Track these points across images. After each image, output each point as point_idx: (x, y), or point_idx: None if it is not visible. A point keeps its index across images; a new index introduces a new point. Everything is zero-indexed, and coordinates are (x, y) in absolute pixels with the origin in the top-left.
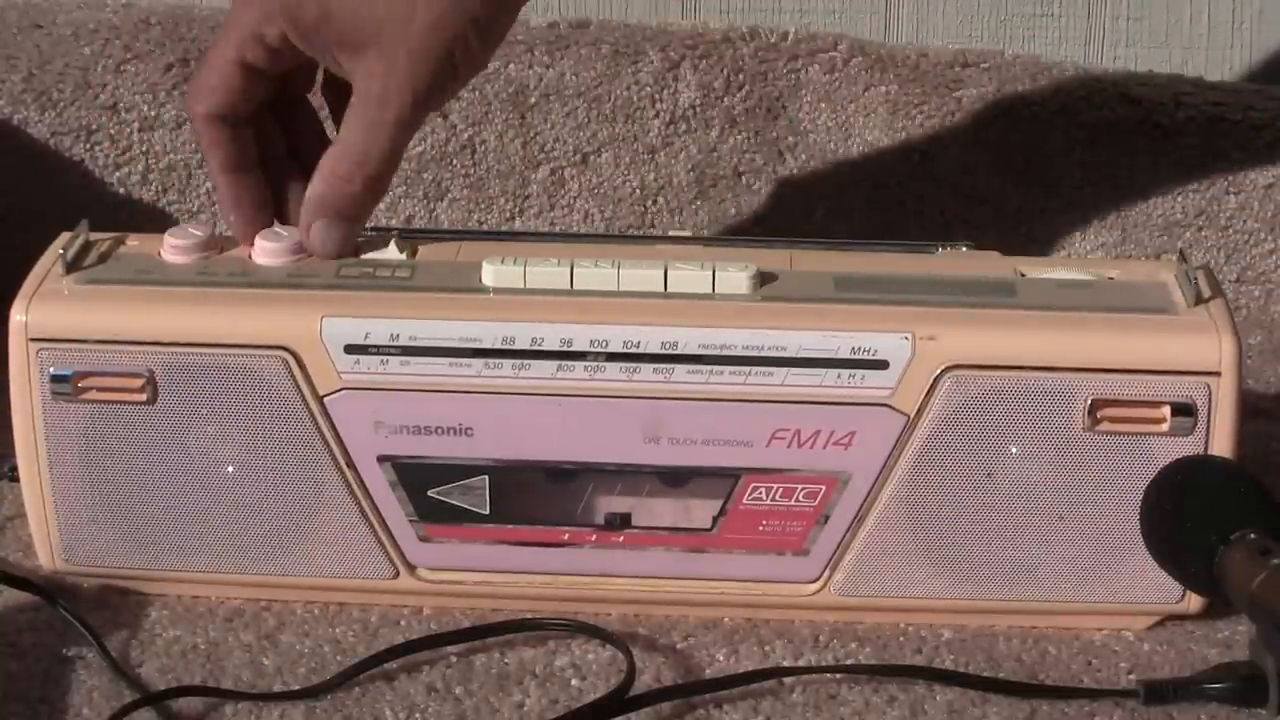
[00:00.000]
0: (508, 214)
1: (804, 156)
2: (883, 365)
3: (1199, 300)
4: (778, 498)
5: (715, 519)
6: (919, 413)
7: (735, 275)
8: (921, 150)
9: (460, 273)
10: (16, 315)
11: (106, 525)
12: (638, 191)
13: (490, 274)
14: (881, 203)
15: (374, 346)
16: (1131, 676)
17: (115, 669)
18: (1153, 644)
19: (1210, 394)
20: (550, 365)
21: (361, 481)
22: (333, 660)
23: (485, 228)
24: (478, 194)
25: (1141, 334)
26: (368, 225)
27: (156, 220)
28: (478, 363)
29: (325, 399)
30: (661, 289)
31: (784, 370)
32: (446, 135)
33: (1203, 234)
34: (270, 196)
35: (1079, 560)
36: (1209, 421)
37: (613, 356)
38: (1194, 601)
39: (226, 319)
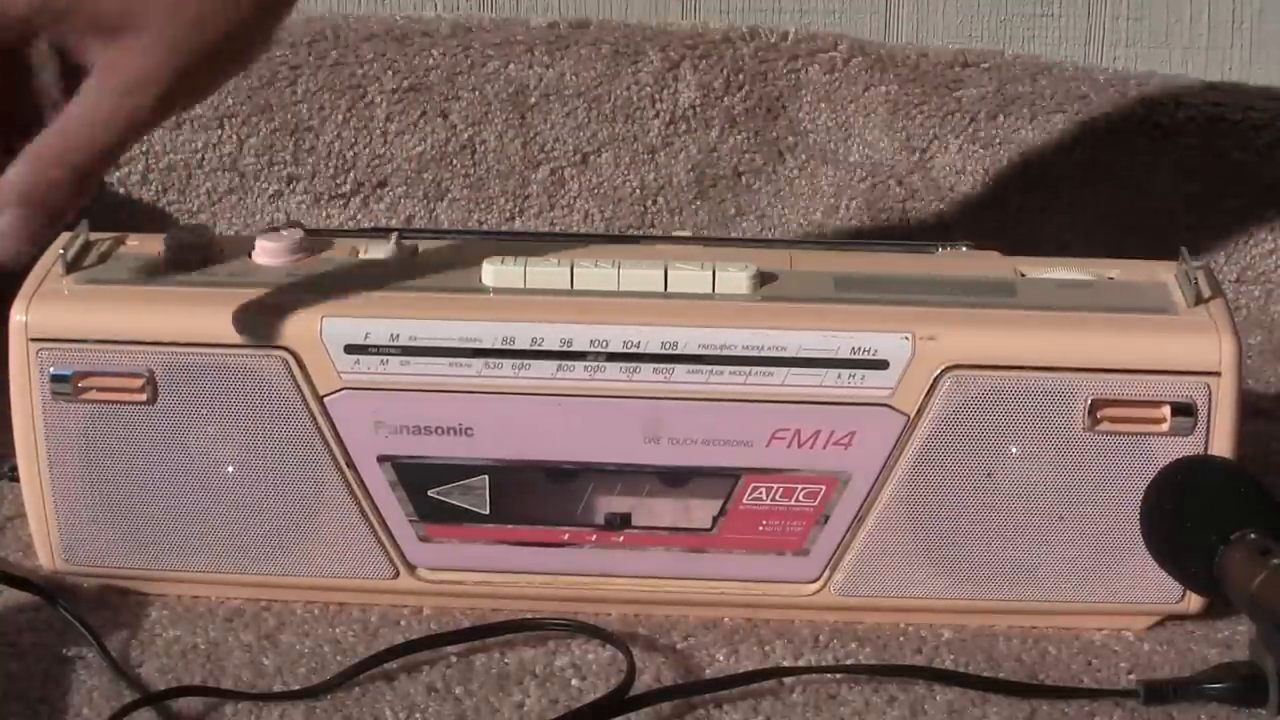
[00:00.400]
0: (508, 214)
1: (804, 156)
2: (883, 365)
3: (1199, 300)
4: (778, 498)
5: (715, 519)
6: (919, 413)
7: (735, 275)
8: (921, 150)
9: (460, 273)
10: (16, 315)
11: (106, 525)
12: (638, 191)
13: (490, 274)
14: (881, 203)
15: (374, 346)
16: (1131, 676)
17: (115, 669)
18: (1153, 644)
19: (1210, 394)
20: (550, 365)
21: (361, 481)
22: (333, 660)
23: (485, 228)
24: (478, 194)
25: (1141, 334)
26: (367, 226)
27: (156, 220)
28: (478, 363)
29: (325, 399)
30: (661, 289)
31: (784, 370)
32: (446, 135)
33: (1203, 234)
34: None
35: (1079, 560)
36: (1209, 421)
37: (613, 356)
38: (1194, 601)
39: (226, 319)
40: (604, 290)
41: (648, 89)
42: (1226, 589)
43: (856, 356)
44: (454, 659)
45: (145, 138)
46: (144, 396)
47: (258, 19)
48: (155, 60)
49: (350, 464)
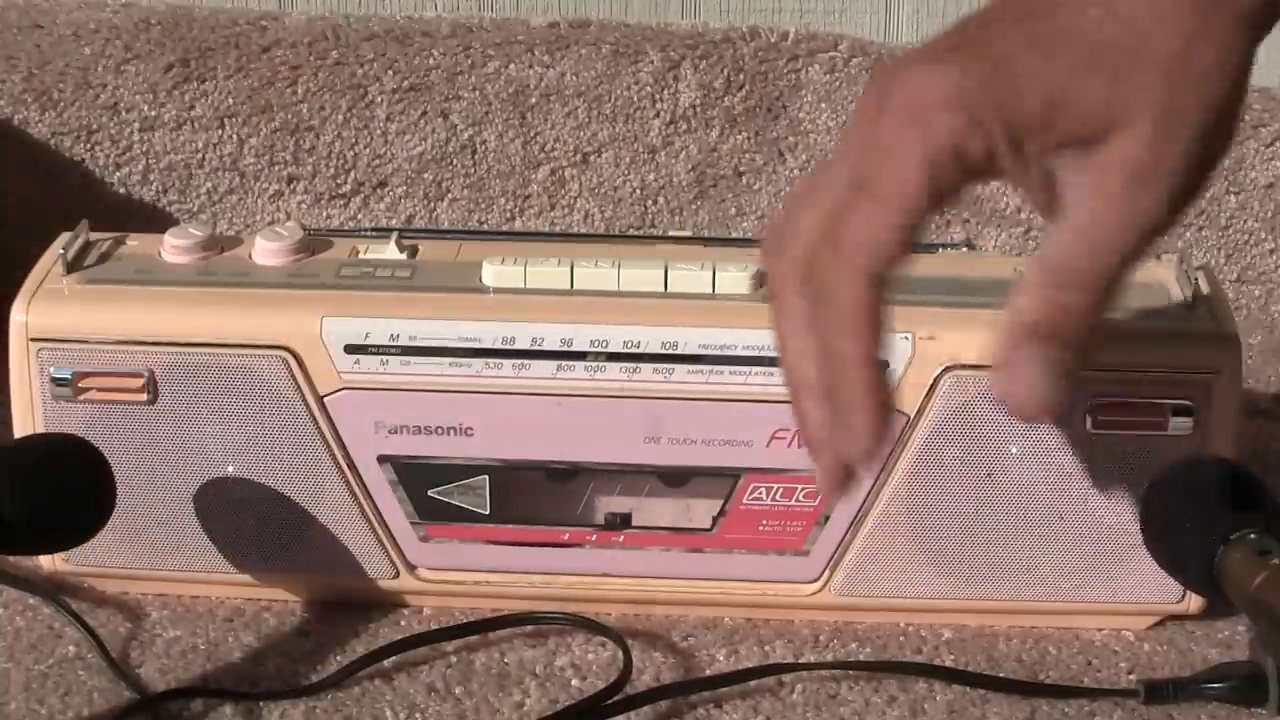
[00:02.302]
0: (508, 214)
1: (804, 156)
2: (883, 365)
3: (1199, 300)
4: (778, 497)
5: (715, 519)
6: (919, 413)
7: (735, 275)
8: None
9: (460, 273)
10: (17, 315)
11: (107, 525)
12: (638, 191)
13: (490, 274)
14: None
15: (374, 346)
16: (1131, 676)
17: (115, 669)
18: (1153, 644)
19: (1210, 394)
20: (550, 365)
21: (361, 481)
22: (333, 661)
23: (485, 228)
24: (478, 194)
25: (1142, 334)
26: (367, 226)
27: (156, 220)
28: (478, 363)
29: (325, 399)
30: (661, 289)
31: None
32: (446, 135)
33: (1203, 234)
34: None
35: (1079, 560)
36: (1209, 421)
37: (613, 356)
38: (1194, 601)
39: (227, 319)
40: (604, 290)
41: (648, 89)
42: (1226, 589)
43: None
44: (453, 658)
45: (145, 138)
46: (144, 396)
47: (1236, 98)
48: (1162, 145)
49: (350, 464)
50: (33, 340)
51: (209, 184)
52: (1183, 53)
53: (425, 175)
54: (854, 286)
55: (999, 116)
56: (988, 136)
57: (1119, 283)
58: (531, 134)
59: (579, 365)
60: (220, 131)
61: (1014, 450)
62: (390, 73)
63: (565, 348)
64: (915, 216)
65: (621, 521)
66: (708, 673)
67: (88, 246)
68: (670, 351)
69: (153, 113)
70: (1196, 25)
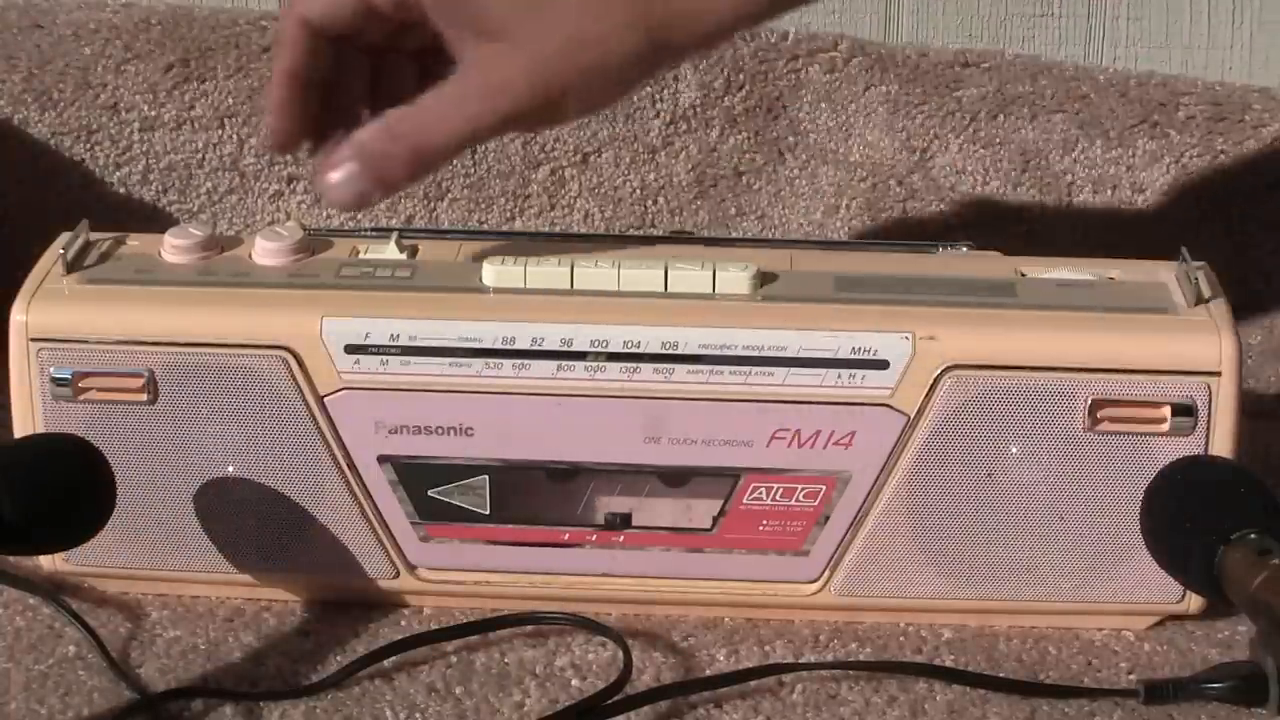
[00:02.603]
0: (508, 214)
1: (804, 156)
2: (883, 365)
3: (1199, 300)
4: (778, 497)
5: (715, 519)
6: (919, 413)
7: (735, 275)
8: (921, 150)
9: (460, 273)
10: (17, 315)
11: (107, 525)
12: (638, 191)
13: (490, 274)
14: (881, 203)
15: (374, 346)
16: (1131, 676)
17: (115, 669)
18: (1153, 644)
19: (1210, 394)
20: (550, 365)
21: (361, 481)
22: (333, 661)
23: (485, 228)
24: (478, 194)
25: (1142, 334)
26: (367, 226)
27: (156, 220)
28: (478, 363)
29: (325, 399)
30: (661, 289)
31: (784, 370)
32: None
33: (1203, 234)
34: (317, 122)
35: (1079, 560)
36: (1209, 421)
37: (613, 356)
38: (1194, 601)
39: (227, 318)
40: (604, 290)
41: (648, 89)
42: (1226, 589)
43: (857, 356)
44: (453, 658)
45: (145, 138)
46: (144, 396)
47: (647, 54)
48: (519, 71)
49: (350, 464)
50: (33, 340)
51: (209, 184)
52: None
53: None
54: (284, 16)
55: None
56: None
57: (438, 158)
58: (531, 134)
59: (579, 365)
60: (220, 131)
61: (1014, 450)
62: None
63: (565, 348)
64: None
65: (621, 521)
66: (708, 673)
67: (88, 246)
68: (670, 351)
69: (153, 113)
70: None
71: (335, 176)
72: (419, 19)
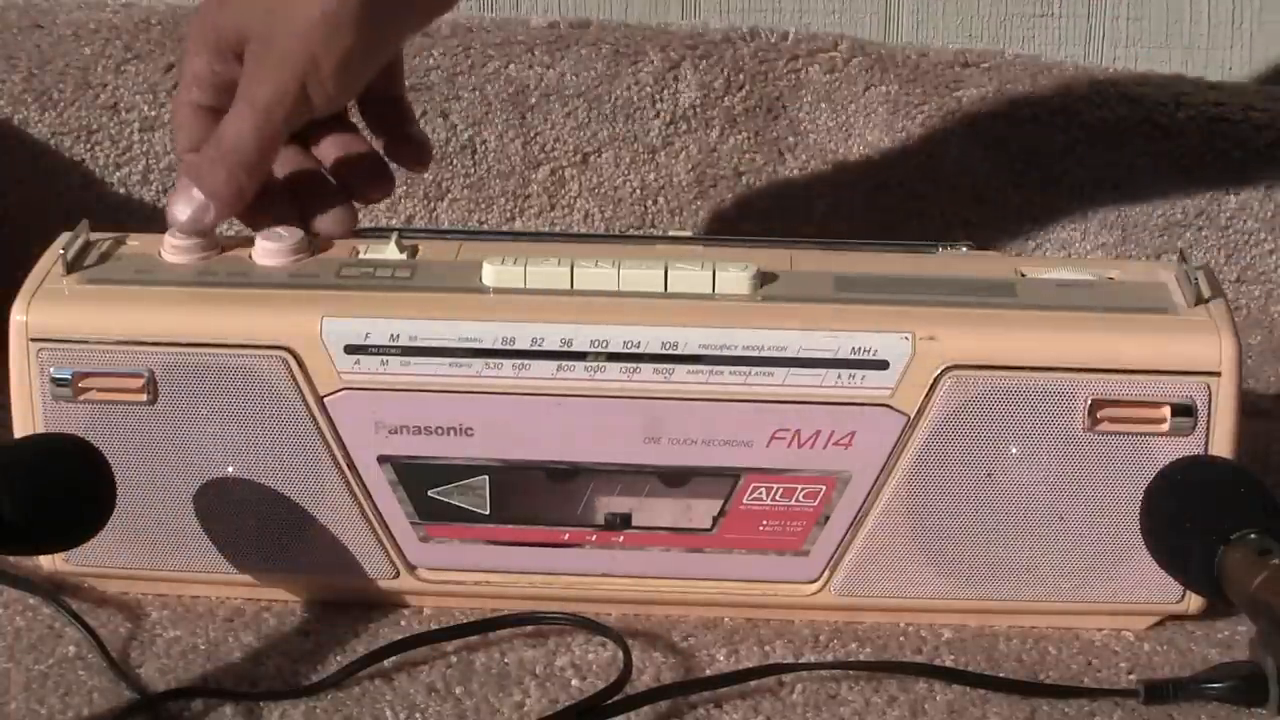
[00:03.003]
0: (508, 214)
1: (804, 156)
2: (883, 365)
3: (1199, 300)
4: (778, 498)
5: (715, 519)
6: (919, 413)
7: (735, 275)
8: (921, 150)
9: (460, 273)
10: (17, 315)
11: (107, 525)
12: (638, 191)
13: (490, 274)
14: (881, 203)
15: (374, 346)
16: (1131, 676)
17: (115, 669)
18: (1153, 644)
19: (1210, 394)
20: (550, 365)
21: (361, 481)
22: (333, 661)
23: (485, 228)
24: (478, 194)
25: (1141, 334)
26: (367, 226)
27: (156, 220)
28: (478, 363)
29: (325, 399)
30: (661, 289)
31: (784, 370)
32: (446, 135)
33: (1203, 234)
34: (277, 194)
35: (1079, 560)
36: (1209, 421)
37: (613, 356)
38: (1194, 601)
39: (227, 319)
40: (604, 290)
41: (648, 89)
42: (1226, 589)
43: (856, 356)
44: (453, 658)
45: (145, 138)
46: (144, 397)
47: (374, 42)
48: (255, 70)
49: (350, 464)
50: (33, 340)
51: None
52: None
53: (425, 175)
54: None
55: (206, 48)
56: (203, 58)
57: (246, 159)
58: (531, 134)
59: (579, 365)
60: None
61: (1014, 450)
62: None
63: (565, 348)
64: (187, 116)
65: (621, 521)
66: (708, 673)
67: (88, 246)
68: (670, 351)
69: (153, 113)
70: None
71: (176, 199)
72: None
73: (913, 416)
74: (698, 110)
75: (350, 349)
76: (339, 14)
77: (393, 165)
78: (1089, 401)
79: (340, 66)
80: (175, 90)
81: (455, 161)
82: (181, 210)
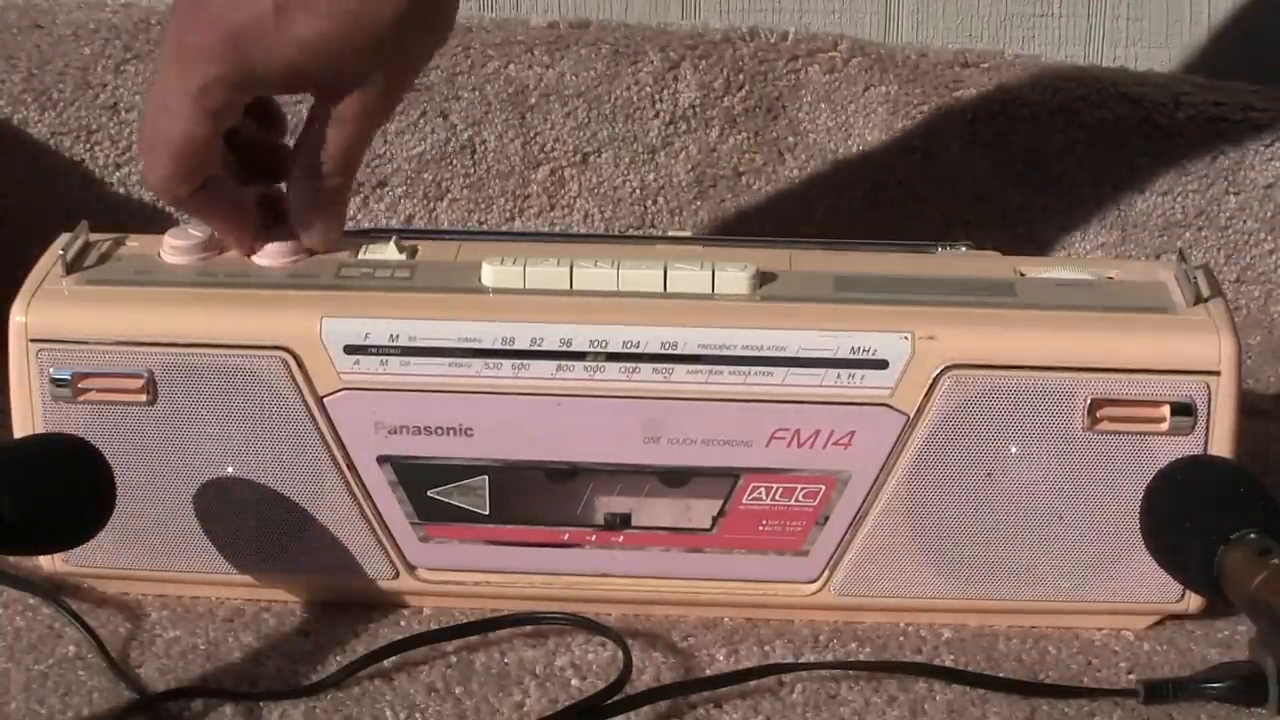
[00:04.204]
0: (508, 214)
1: (804, 156)
2: (882, 365)
3: (1199, 300)
4: (777, 497)
5: (715, 519)
6: (919, 412)
7: (735, 275)
8: (921, 150)
9: (460, 273)
10: (16, 316)
11: (106, 525)
12: (638, 191)
13: (490, 274)
14: (881, 203)
15: (374, 347)
16: (1131, 676)
17: (115, 669)
18: (1153, 644)
19: (1210, 394)
20: (550, 365)
21: (361, 482)
22: (333, 662)
23: (485, 228)
24: (478, 194)
25: (1141, 334)
26: (367, 226)
27: (156, 220)
28: (477, 363)
29: (325, 399)
30: (661, 289)
31: (784, 370)
32: (446, 135)
33: (1203, 234)
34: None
35: (1079, 560)
36: (1209, 421)
37: (612, 356)
38: (1194, 601)
39: (226, 319)
40: (604, 290)
41: (648, 89)
42: (1226, 589)
43: (856, 356)
44: (453, 658)
45: None
46: (144, 397)
47: (433, 26)
48: (362, 104)
49: (350, 464)
50: (32, 341)
51: None
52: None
53: (425, 175)
54: (180, 205)
55: (253, 82)
56: (249, 90)
57: (359, 163)
58: (531, 134)
59: (578, 365)
60: None
61: (1014, 450)
62: None
63: (564, 348)
64: (213, 150)
65: (621, 521)
66: (708, 673)
67: (87, 247)
68: (670, 351)
69: None
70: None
71: (319, 230)
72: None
73: (912, 416)
74: (697, 110)
75: (350, 349)
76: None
77: (390, 165)
78: (1088, 401)
79: (428, 54)
80: (156, 108)
81: (455, 161)
82: (334, 236)
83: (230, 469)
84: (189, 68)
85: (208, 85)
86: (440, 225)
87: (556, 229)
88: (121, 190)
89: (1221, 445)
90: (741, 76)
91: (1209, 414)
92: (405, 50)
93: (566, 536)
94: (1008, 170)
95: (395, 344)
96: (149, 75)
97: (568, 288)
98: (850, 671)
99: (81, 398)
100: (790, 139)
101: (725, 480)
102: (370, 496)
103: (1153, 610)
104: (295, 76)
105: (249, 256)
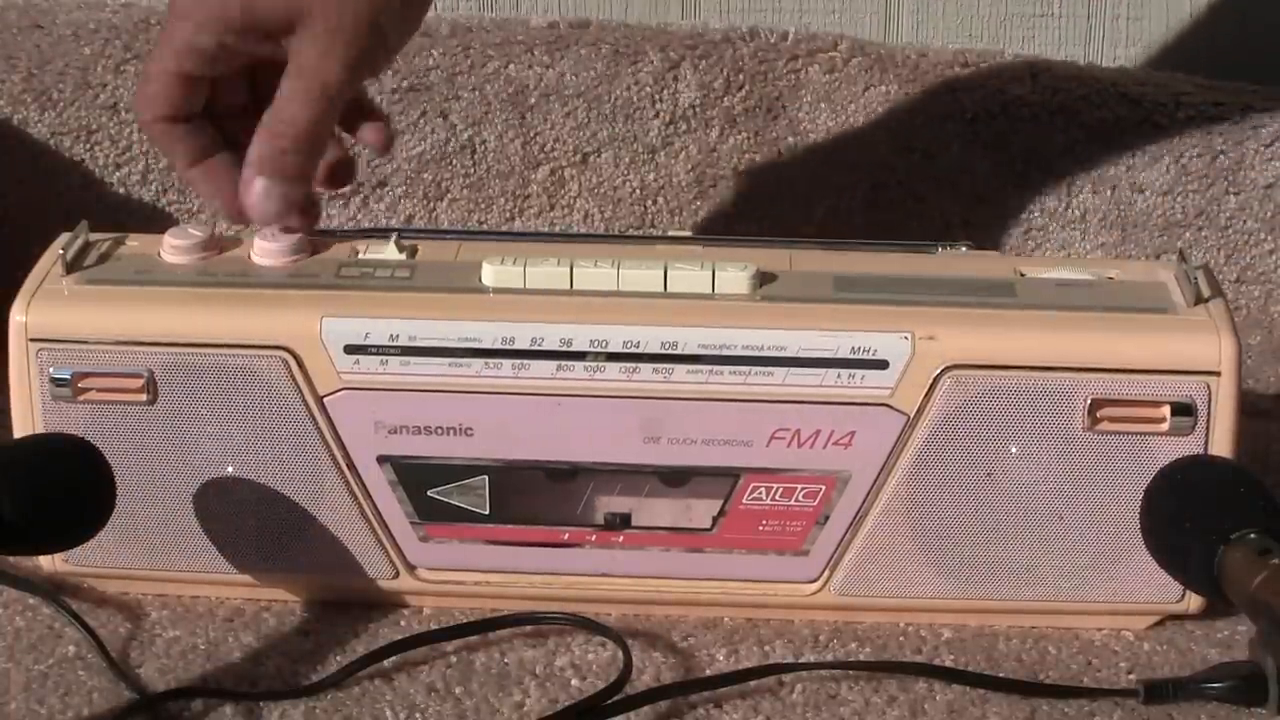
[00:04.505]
0: (508, 214)
1: (804, 156)
2: (882, 365)
3: (1199, 300)
4: (777, 497)
5: (715, 519)
6: (919, 412)
7: (735, 275)
8: (921, 150)
9: (460, 273)
10: (16, 315)
11: (106, 525)
12: (638, 191)
13: (490, 274)
14: (881, 203)
15: (374, 347)
16: (1131, 676)
17: (115, 669)
18: (1153, 644)
19: (1210, 394)
20: (550, 365)
21: (361, 481)
22: (333, 662)
23: (485, 228)
24: (478, 194)
25: (1141, 334)
26: (367, 226)
27: (156, 220)
28: (477, 363)
29: (325, 399)
30: (661, 289)
31: (784, 370)
32: (446, 135)
33: (1203, 234)
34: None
35: (1079, 560)
36: (1209, 421)
37: (612, 356)
38: (1194, 601)
39: (226, 319)
40: (604, 290)
41: (648, 89)
42: (1226, 589)
43: (856, 356)
44: (453, 658)
45: (145, 138)
46: (144, 397)
47: (378, 15)
48: (327, 44)
49: (350, 464)
50: (32, 341)
51: None
52: None
53: (425, 175)
54: (145, 127)
55: (213, 23)
56: (209, 33)
57: (318, 134)
58: (531, 134)
59: (578, 365)
60: None
61: (1014, 450)
62: (390, 73)
63: (565, 348)
64: (168, 85)
65: (621, 521)
66: (708, 673)
67: (87, 247)
68: (670, 351)
69: None
70: None
71: (257, 195)
72: (247, 55)
73: (912, 416)
74: (697, 110)
75: (350, 349)
76: None
77: (390, 165)
78: (1089, 401)
79: (401, 31)
80: (153, 50)
81: (455, 161)
82: (266, 201)
83: (230, 469)
84: (169, 13)
85: (173, 25)
86: (440, 225)
87: (556, 229)
88: (121, 190)
89: (1221, 445)
90: (741, 76)
91: (1209, 414)
92: (367, 12)
93: (566, 536)
94: (1008, 170)
95: (395, 344)
96: None
97: (568, 288)
98: (850, 671)
99: (81, 397)
100: (790, 139)
101: (725, 480)
102: (370, 496)
103: (1153, 610)
104: (249, 14)
105: (234, 220)
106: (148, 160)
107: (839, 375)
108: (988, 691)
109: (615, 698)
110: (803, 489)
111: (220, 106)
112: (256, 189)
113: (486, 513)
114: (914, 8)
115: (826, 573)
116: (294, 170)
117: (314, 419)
